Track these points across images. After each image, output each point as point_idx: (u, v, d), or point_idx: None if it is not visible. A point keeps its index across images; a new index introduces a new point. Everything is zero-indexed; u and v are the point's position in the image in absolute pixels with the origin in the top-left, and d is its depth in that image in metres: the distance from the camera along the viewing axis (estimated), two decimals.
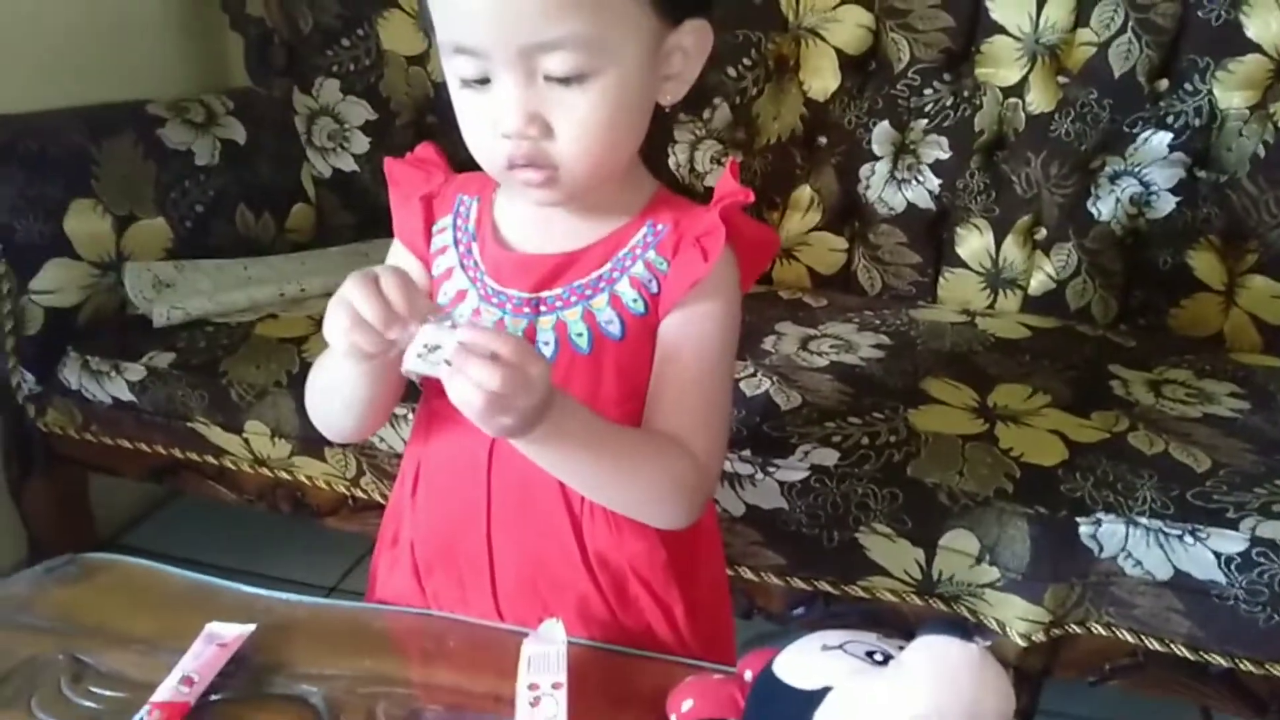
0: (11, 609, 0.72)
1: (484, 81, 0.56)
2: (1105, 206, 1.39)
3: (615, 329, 0.62)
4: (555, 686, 0.59)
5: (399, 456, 1.14)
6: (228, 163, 1.50)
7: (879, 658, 0.51)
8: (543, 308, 0.62)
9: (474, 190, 0.67)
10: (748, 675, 0.57)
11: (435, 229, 0.67)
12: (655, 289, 0.62)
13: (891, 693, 0.47)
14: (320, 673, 0.65)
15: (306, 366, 1.16)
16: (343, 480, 1.22)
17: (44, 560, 0.76)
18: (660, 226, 0.63)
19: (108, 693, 0.63)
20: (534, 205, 0.62)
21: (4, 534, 1.42)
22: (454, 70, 0.58)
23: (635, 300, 0.62)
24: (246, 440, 1.22)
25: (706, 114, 1.51)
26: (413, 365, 0.53)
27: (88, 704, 0.62)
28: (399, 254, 0.68)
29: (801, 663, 0.53)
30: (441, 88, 1.63)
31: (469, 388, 0.50)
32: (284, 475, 1.24)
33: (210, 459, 1.26)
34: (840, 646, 0.53)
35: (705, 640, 0.69)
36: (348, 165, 1.65)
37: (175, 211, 1.41)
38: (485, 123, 0.57)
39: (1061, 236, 1.41)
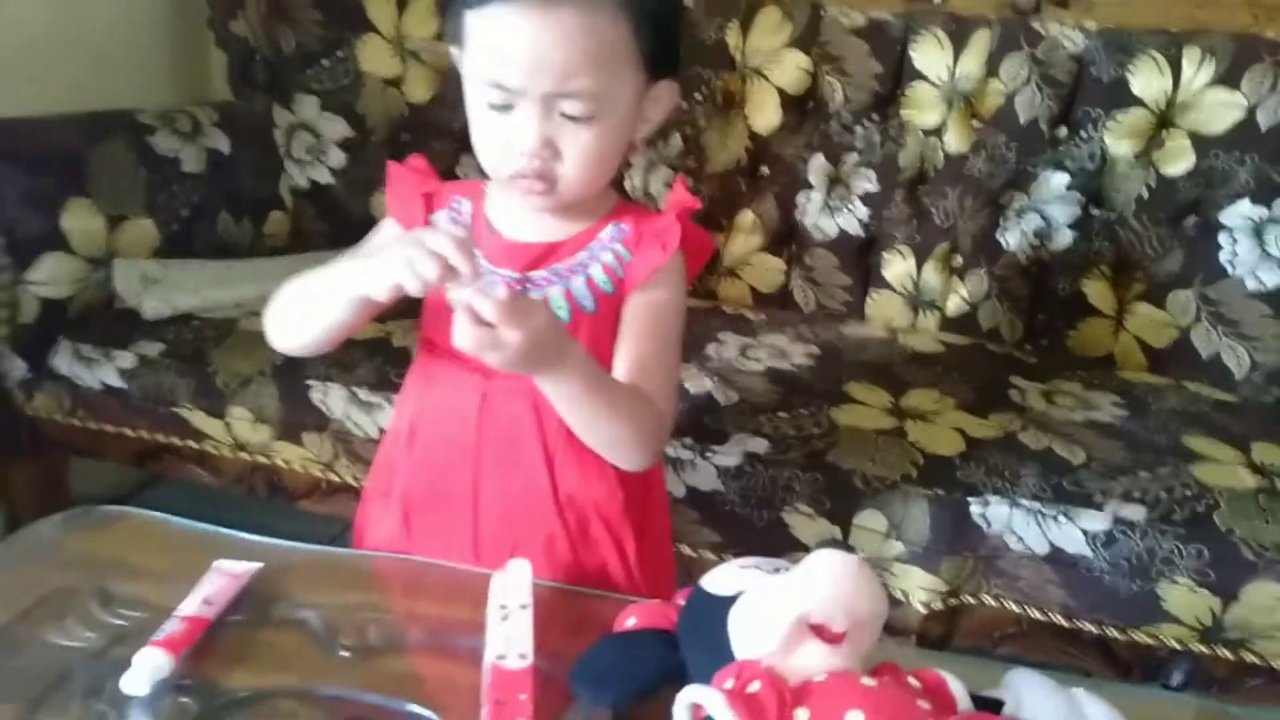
0: (39, 549, 0.82)
1: (507, 107, 0.70)
2: (1012, 238, 1.56)
3: (589, 304, 0.76)
4: (522, 606, 0.71)
5: (373, 442, 1.26)
6: (212, 171, 1.60)
7: (784, 573, 0.64)
8: (529, 285, 0.76)
9: (465, 193, 0.81)
10: (681, 601, 0.70)
11: (432, 220, 0.80)
12: (621, 274, 0.77)
13: (786, 591, 0.60)
14: (318, 603, 0.76)
15: (289, 359, 1.28)
16: (318, 464, 1.32)
17: None
18: (624, 226, 0.78)
19: (133, 613, 0.72)
20: (527, 206, 0.76)
21: None
22: (483, 97, 0.71)
23: (605, 282, 0.77)
24: (229, 425, 1.31)
25: (660, 143, 1.66)
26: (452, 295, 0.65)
27: (116, 622, 0.72)
28: (390, 227, 0.81)
29: (723, 578, 0.66)
30: (415, 108, 1.75)
31: (466, 325, 0.63)
32: (262, 459, 1.34)
33: (192, 443, 1.36)
34: (754, 566, 0.66)
35: (651, 579, 0.82)
36: (323, 178, 1.76)
37: (163, 214, 1.51)
38: (501, 140, 0.72)
39: (975, 264, 1.58)
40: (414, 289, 0.65)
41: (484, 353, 0.64)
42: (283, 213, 1.74)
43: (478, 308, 0.63)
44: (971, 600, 1.14)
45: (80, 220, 1.39)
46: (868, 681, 0.57)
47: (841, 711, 0.54)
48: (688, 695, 0.57)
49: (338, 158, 1.76)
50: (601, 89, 0.69)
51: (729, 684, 0.57)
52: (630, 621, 0.70)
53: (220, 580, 0.75)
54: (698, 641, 0.64)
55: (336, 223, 1.76)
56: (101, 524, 0.85)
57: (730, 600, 0.63)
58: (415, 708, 0.65)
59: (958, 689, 0.60)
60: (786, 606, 0.58)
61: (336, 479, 1.33)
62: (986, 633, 1.15)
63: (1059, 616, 1.11)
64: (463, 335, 0.63)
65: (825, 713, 0.55)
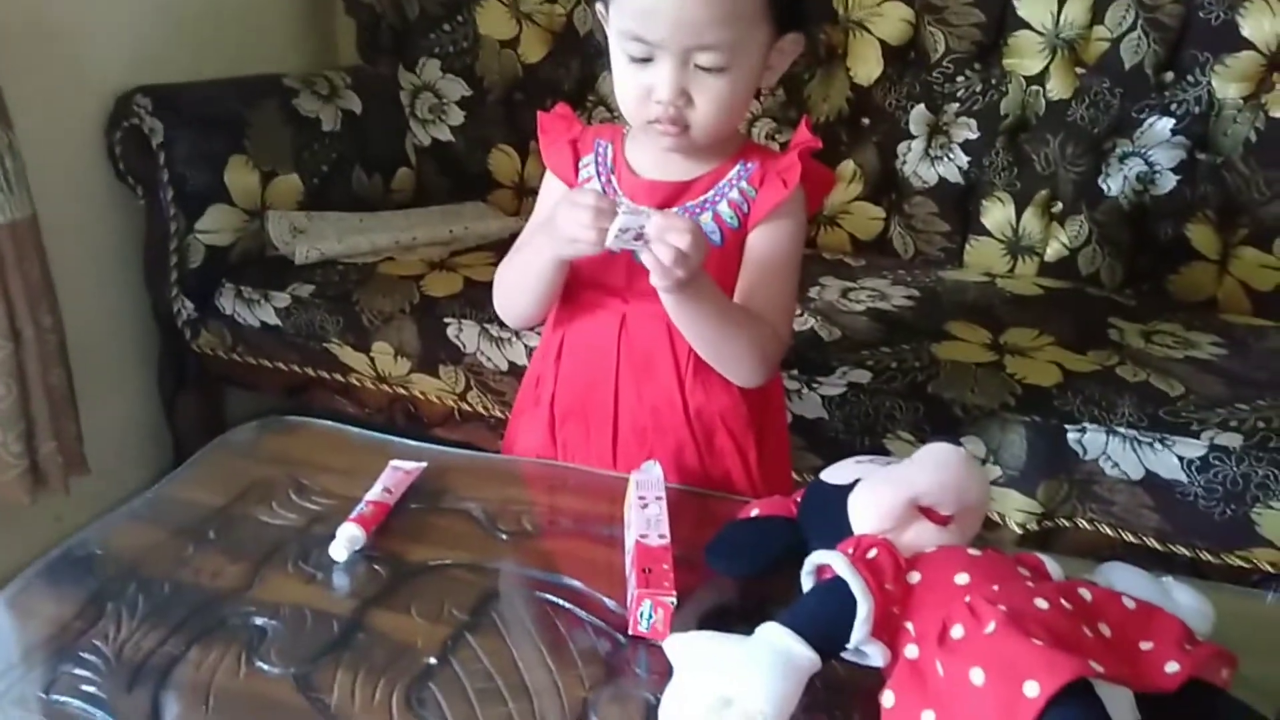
0: (240, 448, 0.95)
1: (647, 60, 0.78)
2: (1114, 183, 1.58)
3: (716, 237, 0.84)
4: (657, 498, 0.80)
5: (504, 374, 1.38)
6: (347, 130, 1.74)
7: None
8: None
9: (607, 137, 0.90)
10: (798, 498, 0.79)
11: (581, 164, 0.89)
12: (746, 210, 0.85)
13: (901, 476, 0.68)
14: (478, 496, 0.87)
15: (426, 298, 1.41)
16: (452, 395, 1.45)
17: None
18: (750, 165, 0.86)
19: (324, 500, 0.85)
20: (661, 148, 0.84)
21: (156, 441, 1.67)
22: (624, 49, 0.79)
23: (731, 217, 0.85)
24: (373, 359, 1.45)
25: (764, 95, 1.72)
26: (612, 243, 0.75)
27: (311, 507, 0.84)
28: (552, 182, 0.91)
29: (840, 470, 0.74)
30: (529, 68, 1.84)
31: (663, 249, 0.72)
32: (401, 391, 1.48)
33: (338, 376, 1.50)
34: (869, 460, 0.75)
35: (770, 486, 0.91)
36: (444, 135, 1.88)
37: (306, 169, 1.65)
38: (641, 89, 0.80)
39: (1075, 209, 1.60)
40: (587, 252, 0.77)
41: (675, 269, 0.73)
42: (408, 169, 1.87)
43: (671, 240, 0.73)
44: (1066, 523, 1.19)
45: (239, 175, 1.54)
46: (973, 552, 0.65)
47: (950, 574, 0.62)
48: (814, 559, 0.66)
49: (457, 116, 1.87)
50: (734, 42, 0.77)
51: (850, 551, 0.65)
52: (754, 512, 0.79)
53: (396, 475, 0.86)
54: (819, 523, 0.72)
55: (456, 177, 1.88)
56: (290, 430, 0.98)
57: (848, 488, 0.71)
58: (567, 579, 0.75)
59: (1054, 567, 0.67)
60: (901, 488, 0.67)
61: (468, 408, 1.45)
62: (1081, 555, 1.20)
63: (1153, 540, 1.16)
64: (660, 252, 0.73)
65: (935, 574, 0.63)
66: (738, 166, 0.86)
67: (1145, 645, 0.58)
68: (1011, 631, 0.55)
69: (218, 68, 1.65)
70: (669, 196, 0.85)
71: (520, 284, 0.88)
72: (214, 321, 1.53)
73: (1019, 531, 1.18)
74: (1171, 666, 0.55)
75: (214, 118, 1.53)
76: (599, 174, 0.88)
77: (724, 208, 0.85)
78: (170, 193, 1.47)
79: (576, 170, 0.89)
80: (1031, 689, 0.50)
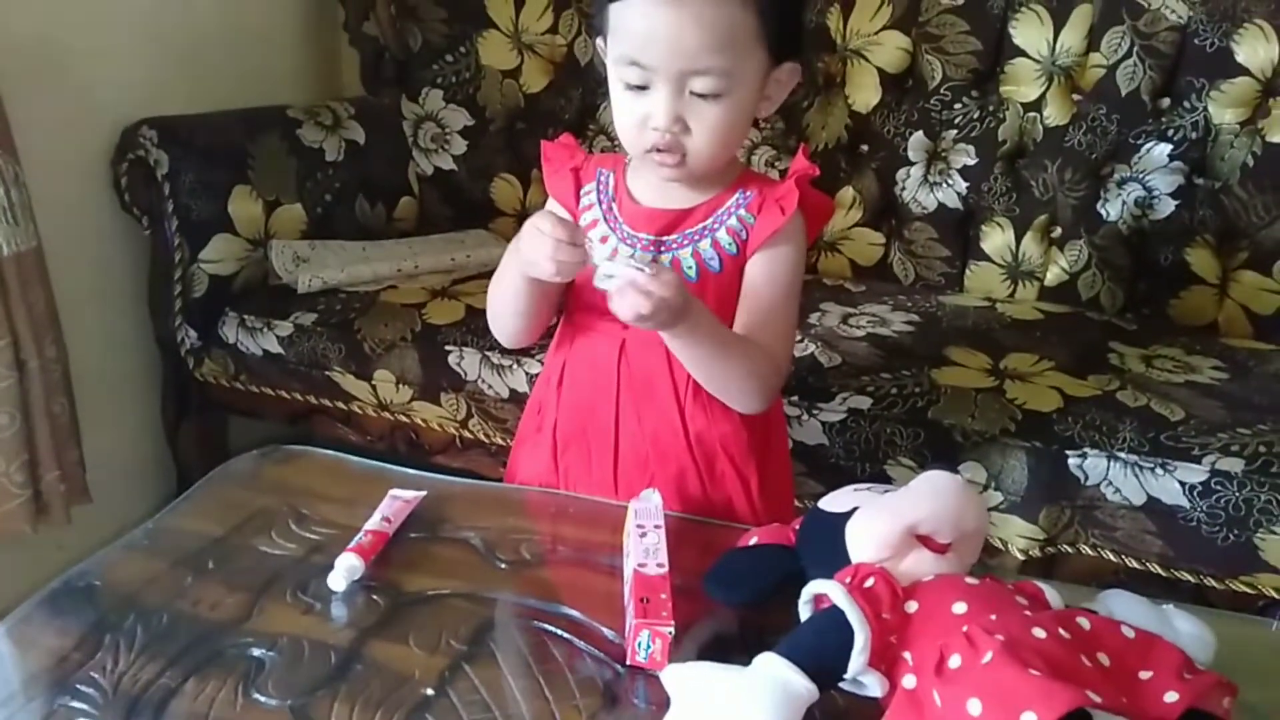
0: (240, 478, 0.96)
1: (643, 87, 0.79)
2: (1113, 208, 1.59)
3: (715, 264, 0.85)
4: (656, 527, 0.80)
5: (505, 401, 1.38)
6: (350, 159, 1.75)
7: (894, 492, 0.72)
8: (663, 248, 0.86)
9: (609, 165, 0.90)
10: (797, 525, 0.79)
11: (583, 192, 0.90)
12: (745, 237, 0.85)
13: (898, 504, 0.68)
14: (477, 525, 0.87)
15: (427, 326, 1.42)
16: (453, 422, 1.45)
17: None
18: (749, 193, 0.86)
19: (323, 530, 0.85)
20: (660, 177, 0.85)
21: (159, 469, 1.67)
22: (621, 75, 0.80)
23: (730, 244, 0.85)
24: (375, 387, 1.45)
25: (763, 123, 1.73)
26: (599, 284, 0.76)
27: (311, 536, 0.84)
28: (553, 208, 0.91)
29: (838, 498, 0.74)
30: (530, 98, 1.86)
31: (626, 307, 0.74)
32: (403, 418, 1.48)
33: (340, 404, 1.50)
34: (867, 488, 0.75)
35: (772, 512, 0.91)
36: (447, 164, 1.89)
37: (310, 199, 1.66)
38: (638, 116, 0.80)
39: (1074, 234, 1.61)
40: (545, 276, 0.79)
41: (641, 324, 0.75)
42: (411, 198, 1.88)
43: (641, 283, 0.73)
44: (1069, 549, 1.19)
45: (243, 205, 1.55)
46: (971, 580, 0.65)
47: (948, 603, 0.62)
48: (812, 588, 0.66)
49: (460, 145, 1.89)
50: (729, 68, 0.77)
51: (847, 580, 0.65)
52: (753, 540, 0.79)
53: (396, 504, 0.87)
54: (817, 551, 0.72)
55: (459, 206, 1.90)
56: (290, 459, 0.99)
57: (846, 515, 0.71)
58: (565, 609, 0.75)
59: (1053, 595, 0.67)
60: (898, 517, 0.67)
61: (470, 436, 1.45)
62: (1084, 581, 1.20)
63: (1156, 566, 1.16)
64: (622, 309, 0.74)
65: (933, 603, 0.63)
66: (736, 194, 0.86)
67: (1144, 674, 0.58)
68: (1009, 661, 0.54)
69: (223, 99, 1.67)
70: (668, 224, 0.86)
71: (503, 300, 0.90)
72: (217, 350, 1.54)
73: (1021, 558, 1.18)
74: (1170, 696, 0.55)
75: (218, 149, 1.54)
76: (600, 201, 0.89)
77: (723, 235, 0.86)
78: (175, 223, 1.48)
79: (578, 198, 0.90)
80: None
